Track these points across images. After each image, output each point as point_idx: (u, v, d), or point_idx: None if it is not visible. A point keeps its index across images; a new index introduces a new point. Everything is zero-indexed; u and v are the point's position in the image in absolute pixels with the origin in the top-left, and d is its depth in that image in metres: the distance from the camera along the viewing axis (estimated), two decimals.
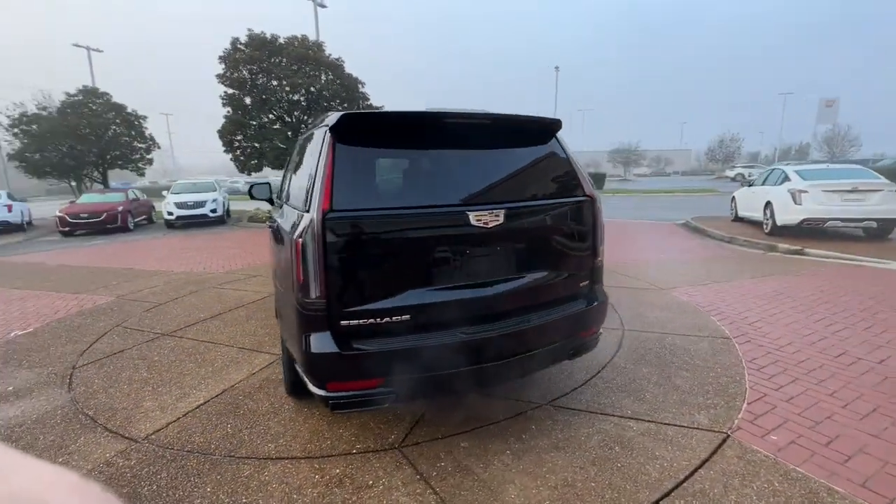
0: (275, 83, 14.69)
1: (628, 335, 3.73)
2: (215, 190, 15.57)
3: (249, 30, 14.94)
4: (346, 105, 16.43)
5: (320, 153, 1.96)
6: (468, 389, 2.50)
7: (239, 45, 14.73)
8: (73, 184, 20.63)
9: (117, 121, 19.32)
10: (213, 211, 14.41)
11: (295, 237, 1.87)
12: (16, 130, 17.93)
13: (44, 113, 18.42)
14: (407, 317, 1.97)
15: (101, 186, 19.25)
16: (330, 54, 16.14)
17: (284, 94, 15.42)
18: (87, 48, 22.43)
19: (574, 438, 2.34)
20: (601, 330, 2.60)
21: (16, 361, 3.56)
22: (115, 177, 25.60)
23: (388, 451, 2.29)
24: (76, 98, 18.87)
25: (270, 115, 15.60)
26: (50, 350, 3.78)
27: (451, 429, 2.47)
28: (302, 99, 15.76)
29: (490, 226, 2.05)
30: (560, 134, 2.53)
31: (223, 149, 15.42)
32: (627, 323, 4.01)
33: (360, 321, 1.92)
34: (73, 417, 2.69)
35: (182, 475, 2.15)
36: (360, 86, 16.65)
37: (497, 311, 2.15)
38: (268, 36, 15.02)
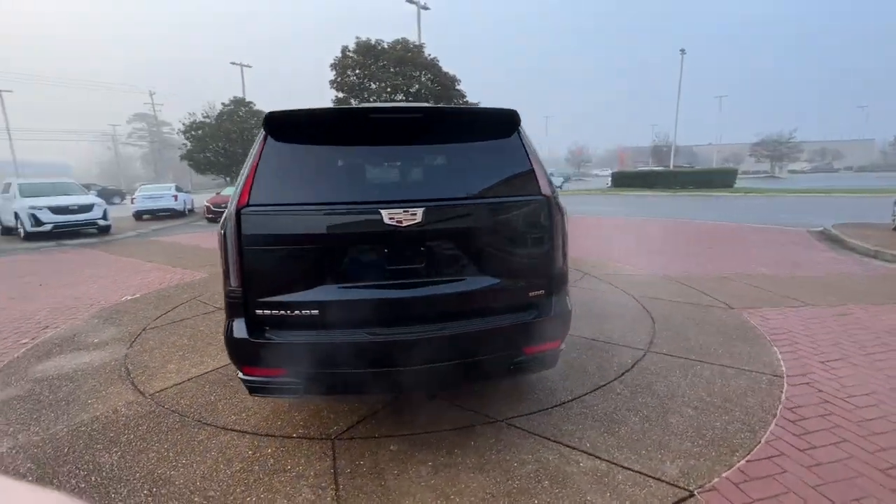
0: (373, 86, 15.74)
1: (649, 358, 3.21)
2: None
3: (357, 37, 16.28)
4: (442, 102, 16.97)
5: (253, 150, 2.09)
6: (377, 391, 2.44)
7: (348, 53, 16.16)
8: (227, 178, 24.90)
9: (252, 126, 22.76)
10: None
11: (218, 229, 2.03)
12: (187, 135, 22.32)
13: (207, 120, 22.55)
14: (315, 312, 1.99)
15: None
16: (429, 54, 16.78)
17: (387, 96, 16.49)
18: (241, 65, 26.97)
19: (505, 463, 2.12)
20: (563, 346, 2.30)
21: (112, 321, 4.49)
22: None
23: (322, 441, 2.35)
24: (229, 107, 22.72)
25: None
26: (138, 314, 4.67)
27: (392, 429, 2.43)
28: (403, 99, 16.68)
29: (405, 224, 1.96)
30: (522, 127, 2.30)
31: None
32: (659, 344, 3.45)
33: (272, 312, 2.00)
34: (117, 370, 3.31)
35: (155, 430, 2.50)
36: (455, 83, 16.99)
37: (412, 315, 2.05)
38: (373, 41, 16.20)
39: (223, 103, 22.95)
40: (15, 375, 3.27)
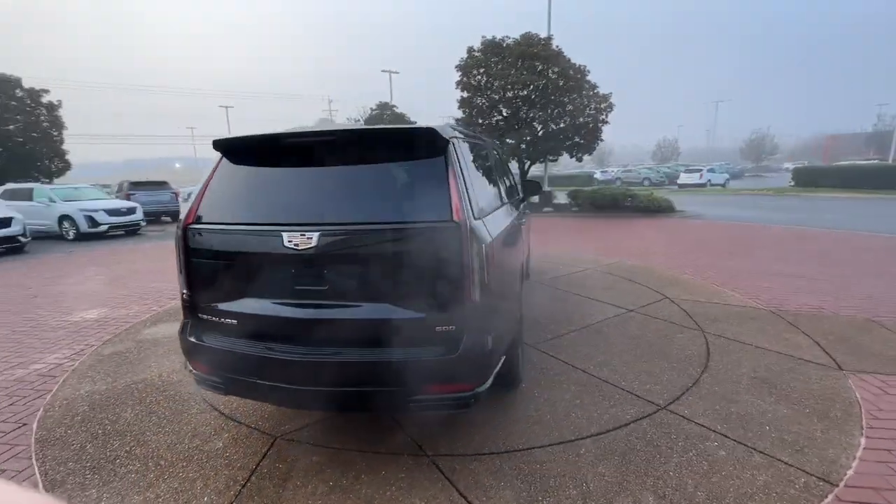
0: (496, 83, 15.64)
1: (661, 418, 2.60)
2: None
3: (483, 36, 16.38)
4: (573, 96, 16.00)
5: (209, 171, 2.38)
6: (275, 403, 2.51)
7: (474, 53, 16.42)
8: None
9: None
10: None
11: (174, 241, 2.37)
12: None
13: (358, 122, 25.59)
14: (234, 322, 2.19)
15: None
16: (557, 46, 15.94)
17: (515, 92, 16.20)
18: (390, 72, 29.92)
19: (392, 499, 2.00)
20: (480, 390, 2.04)
21: None
22: None
23: (266, 436, 2.57)
24: (376, 112, 25.38)
25: (500, 114, 16.78)
26: None
27: (332, 439, 2.51)
28: (531, 95, 16.21)
29: (301, 248, 2.00)
30: (457, 146, 2.10)
31: None
32: (692, 400, 2.76)
33: (207, 317, 2.27)
34: None
35: (173, 398, 3.06)
36: (583, 74, 15.80)
37: (308, 336, 2.07)
38: (498, 38, 16.11)
39: (371, 108, 25.77)
40: (130, 335, 4.35)
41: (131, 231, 12.95)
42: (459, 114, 16.91)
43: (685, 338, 3.79)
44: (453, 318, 2.01)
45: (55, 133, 18.48)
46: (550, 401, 2.82)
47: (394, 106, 25.86)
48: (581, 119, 16.35)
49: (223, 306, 2.22)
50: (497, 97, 16.28)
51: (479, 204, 2.21)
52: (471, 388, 2.04)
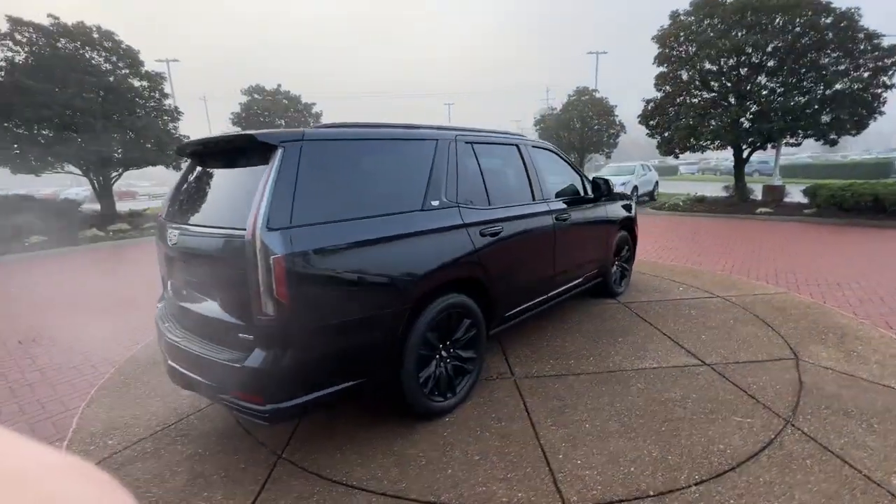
0: (709, 51, 12.53)
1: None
2: (633, 173, 15.93)
3: None
4: (835, 55, 11.54)
5: None
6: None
7: (679, 17, 13.58)
8: None
9: (594, 114, 23.01)
10: None
11: None
12: (536, 127, 25.47)
13: (553, 111, 24.86)
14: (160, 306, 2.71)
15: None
16: None
17: (738, 59, 12.74)
18: (596, 53, 27.55)
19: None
20: (277, 407, 1.95)
21: None
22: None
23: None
24: (573, 97, 24.06)
25: (709, 89, 13.55)
26: None
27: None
28: (762, 59, 12.47)
29: (171, 245, 2.31)
30: (283, 153, 2.01)
31: (646, 132, 15.24)
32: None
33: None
34: None
35: None
36: (854, 21, 11.03)
37: (178, 321, 2.36)
38: None
39: (568, 94, 24.54)
40: None
41: None
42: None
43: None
44: (250, 329, 1.98)
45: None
46: None
47: (594, 90, 23.96)
48: (847, 85, 11.60)
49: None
50: (711, 67, 13.09)
51: (327, 213, 2.07)
52: (261, 402, 1.98)
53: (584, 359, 3.43)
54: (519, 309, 3.36)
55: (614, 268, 4.88)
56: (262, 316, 1.94)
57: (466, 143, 3.03)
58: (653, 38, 14.05)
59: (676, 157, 15.78)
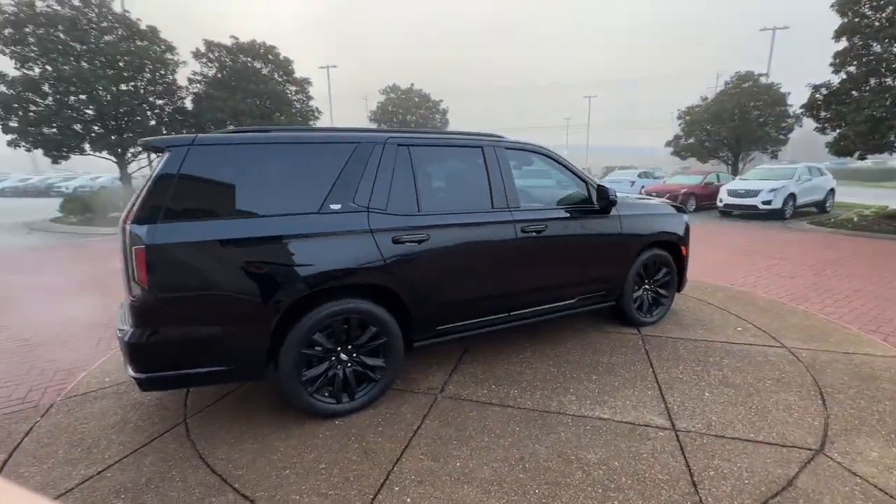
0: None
1: None
2: (791, 178, 12.78)
3: None
4: None
5: None
6: None
7: None
8: (728, 164, 21.92)
9: (757, 103, 18.98)
10: (766, 203, 12.23)
11: None
12: (680, 121, 22.16)
13: (701, 103, 21.28)
14: None
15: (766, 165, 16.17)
16: None
17: None
18: (773, 28, 22.27)
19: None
20: (138, 376, 2.25)
21: None
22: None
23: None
24: (730, 86, 20.21)
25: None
26: None
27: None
28: None
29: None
30: (169, 156, 2.27)
31: (814, 126, 11.96)
32: None
33: None
34: None
35: None
36: None
37: None
38: None
39: (726, 81, 20.66)
40: None
41: None
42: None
43: None
44: (129, 309, 2.31)
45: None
46: None
47: (761, 75, 19.73)
48: None
49: None
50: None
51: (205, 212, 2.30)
52: (135, 370, 2.30)
53: (531, 391, 3.03)
54: (461, 324, 3.13)
55: (640, 292, 4.11)
56: (131, 298, 2.25)
57: (401, 146, 2.92)
58: (832, 6, 10.92)
59: (863, 158, 12.06)
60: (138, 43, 13.07)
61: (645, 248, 3.98)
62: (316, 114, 17.47)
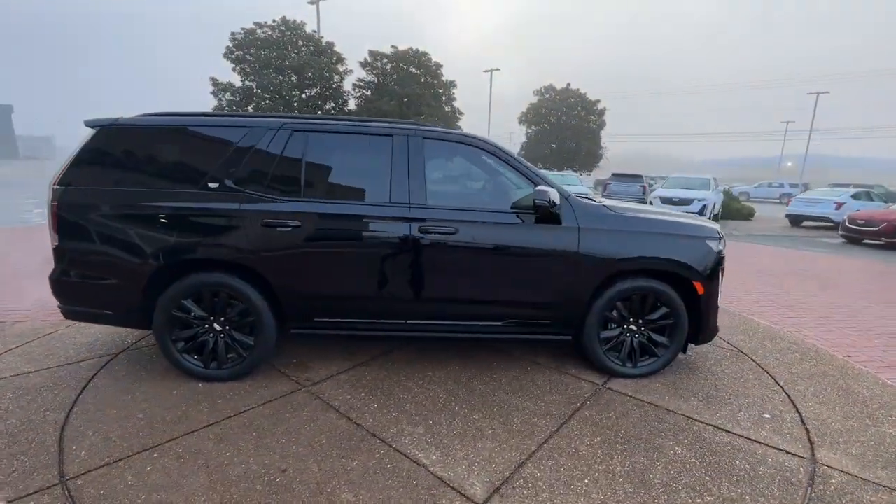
0: None
1: None
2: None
3: None
4: None
5: None
6: None
7: None
8: None
9: None
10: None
11: None
12: None
13: None
14: None
15: None
16: None
17: None
18: None
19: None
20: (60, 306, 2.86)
21: None
22: None
23: None
24: None
25: None
26: None
27: None
28: None
29: None
30: (94, 133, 2.80)
31: None
32: None
33: None
34: None
35: None
36: None
37: None
38: None
39: None
40: None
41: None
42: None
43: None
44: None
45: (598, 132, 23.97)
46: None
47: None
48: None
49: None
50: None
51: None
52: (58, 301, 2.92)
53: (391, 412, 2.67)
54: (345, 321, 2.98)
55: (618, 332, 3.15)
56: (52, 243, 2.86)
57: (296, 132, 2.91)
58: None
59: None
60: (315, 57, 15.87)
61: (619, 274, 3.03)
62: (457, 115, 18.33)
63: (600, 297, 3.04)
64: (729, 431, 2.57)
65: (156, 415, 2.54)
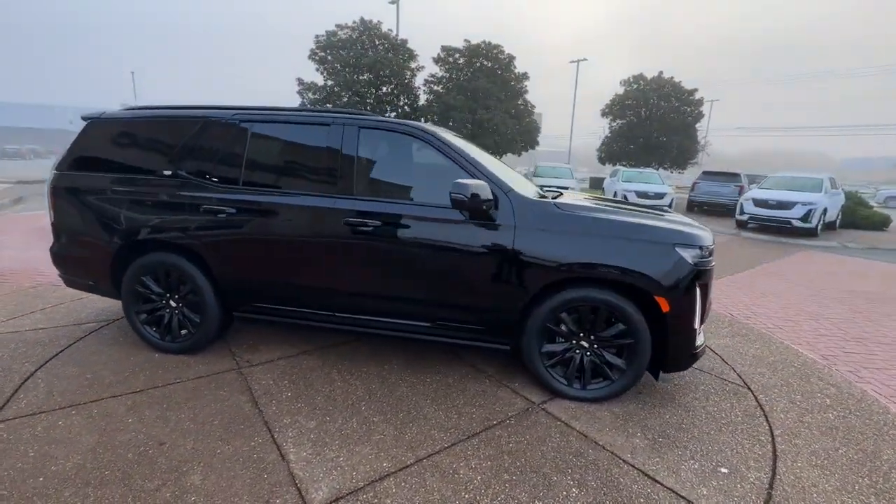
0: None
1: None
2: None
3: None
4: None
5: None
6: None
7: None
8: None
9: None
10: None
11: None
12: None
13: None
14: None
15: None
16: None
17: None
18: None
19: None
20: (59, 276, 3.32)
21: None
22: None
23: None
24: None
25: None
26: None
27: None
28: None
29: None
30: (85, 126, 3.20)
31: None
32: None
33: None
34: None
35: None
36: None
37: None
38: None
39: None
40: None
41: (802, 232, 11.06)
42: None
43: None
44: None
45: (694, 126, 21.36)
46: None
47: None
48: None
49: None
50: None
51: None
52: (58, 271, 3.41)
53: (274, 401, 2.68)
54: (282, 308, 3.04)
55: (565, 347, 2.77)
56: (50, 220, 3.33)
57: (243, 122, 3.02)
58: None
59: None
60: (389, 55, 16.43)
61: (566, 282, 2.65)
62: (529, 108, 17.70)
63: (541, 307, 2.70)
64: (657, 481, 2.11)
65: (102, 377, 2.85)
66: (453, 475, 2.10)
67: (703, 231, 2.78)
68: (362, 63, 16.30)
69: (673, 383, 3.07)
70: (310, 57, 17.25)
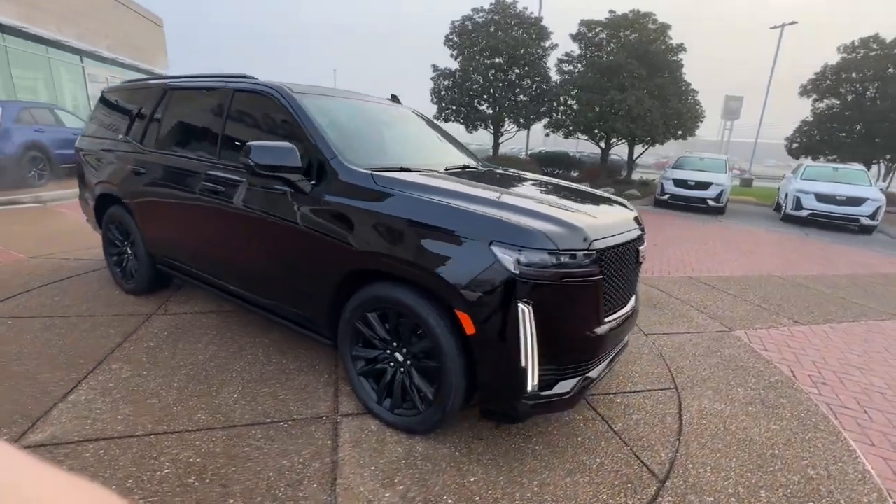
0: None
1: None
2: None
3: None
4: None
5: None
6: None
7: None
8: None
9: None
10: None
11: None
12: None
13: None
14: None
15: None
16: None
17: None
18: None
19: None
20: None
21: None
22: None
23: None
24: None
25: None
26: None
27: None
28: None
29: None
30: (99, 97, 3.96)
31: None
32: None
33: None
34: None
35: None
36: None
37: None
38: None
39: None
40: None
41: (861, 230, 10.38)
42: None
43: None
44: None
45: None
46: None
47: None
48: None
49: None
50: None
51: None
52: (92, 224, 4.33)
53: (144, 346, 2.85)
54: (180, 265, 3.25)
55: (377, 357, 2.26)
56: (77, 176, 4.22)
57: (174, 89, 3.26)
58: None
59: None
60: (520, 35, 15.66)
61: (376, 273, 2.14)
62: (683, 87, 14.70)
63: (350, 301, 2.24)
64: None
65: (56, 304, 3.50)
66: (155, 460, 1.93)
67: (544, 224, 1.85)
68: (494, 45, 15.95)
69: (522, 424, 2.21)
70: (445, 42, 17.67)
